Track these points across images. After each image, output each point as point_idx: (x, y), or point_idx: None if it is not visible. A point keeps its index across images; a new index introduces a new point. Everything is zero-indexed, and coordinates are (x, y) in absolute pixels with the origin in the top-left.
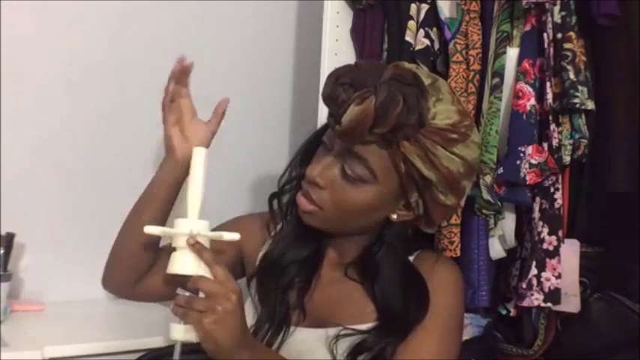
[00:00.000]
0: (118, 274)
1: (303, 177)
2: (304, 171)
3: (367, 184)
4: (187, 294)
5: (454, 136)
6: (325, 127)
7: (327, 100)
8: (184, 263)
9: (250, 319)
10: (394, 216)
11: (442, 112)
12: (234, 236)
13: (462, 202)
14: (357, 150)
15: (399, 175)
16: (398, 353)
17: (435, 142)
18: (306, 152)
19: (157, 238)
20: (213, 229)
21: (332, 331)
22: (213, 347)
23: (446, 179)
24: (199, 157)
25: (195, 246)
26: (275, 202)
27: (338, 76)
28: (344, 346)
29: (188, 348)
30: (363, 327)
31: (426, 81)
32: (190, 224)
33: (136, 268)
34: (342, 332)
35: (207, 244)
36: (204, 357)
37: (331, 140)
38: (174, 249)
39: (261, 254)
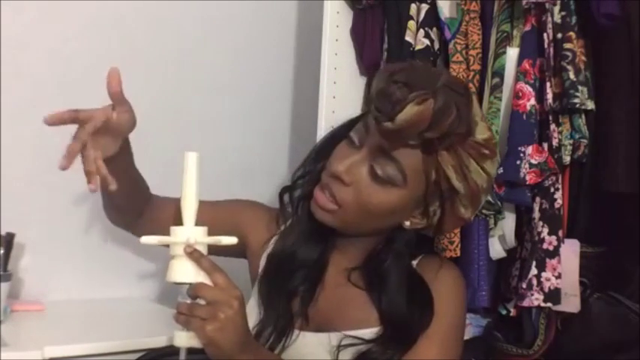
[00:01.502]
0: (112, 215)
1: (319, 173)
2: (320, 167)
3: (394, 186)
4: (189, 301)
5: (487, 151)
6: (348, 124)
7: (379, 95)
8: (183, 271)
9: (254, 319)
10: (407, 223)
11: (479, 127)
12: (232, 240)
13: (472, 217)
14: (392, 151)
15: (427, 183)
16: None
17: (471, 155)
18: (324, 148)
19: (140, 183)
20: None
21: (335, 336)
22: (216, 352)
23: (472, 192)
24: (191, 161)
25: (193, 254)
26: (286, 197)
27: (392, 72)
28: (348, 353)
29: (191, 350)
30: (367, 331)
31: None
32: (187, 232)
33: (128, 212)
34: (346, 340)
35: (205, 250)
36: (207, 358)
37: (361, 137)
38: (172, 257)
39: (267, 252)
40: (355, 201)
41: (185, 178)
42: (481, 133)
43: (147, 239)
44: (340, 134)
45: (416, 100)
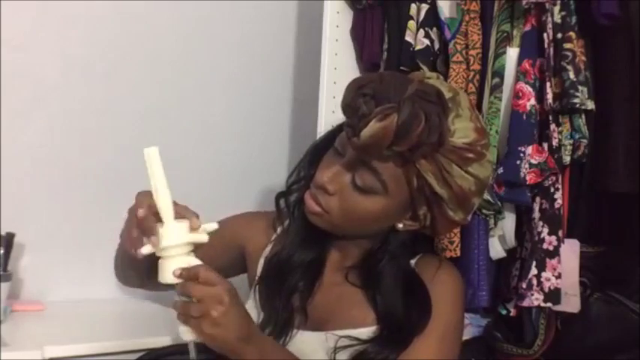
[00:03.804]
0: (125, 278)
1: (312, 178)
2: (313, 172)
3: (377, 195)
4: (184, 299)
5: (471, 155)
6: (337, 129)
7: (347, 110)
8: (172, 271)
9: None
10: (400, 225)
11: (460, 130)
12: (212, 226)
13: (469, 218)
14: (371, 162)
15: (410, 190)
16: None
17: (451, 160)
18: (316, 153)
19: None
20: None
21: (331, 337)
22: (219, 347)
23: (457, 197)
24: (154, 157)
25: (182, 276)
26: (282, 202)
27: (360, 85)
28: (345, 353)
29: (200, 349)
30: (364, 330)
31: (447, 95)
32: (170, 231)
33: (140, 274)
34: (342, 341)
35: (191, 245)
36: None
37: (344, 146)
38: (160, 257)
39: (264, 256)
40: (340, 209)
41: (153, 175)
42: (463, 137)
43: (145, 249)
44: (330, 139)
45: (378, 117)
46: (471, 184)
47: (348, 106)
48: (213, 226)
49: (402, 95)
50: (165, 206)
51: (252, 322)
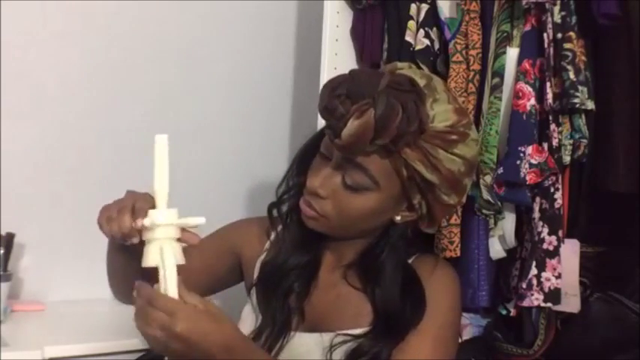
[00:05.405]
0: (119, 293)
1: (303, 186)
2: (303, 180)
3: (369, 191)
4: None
5: (454, 137)
6: (320, 134)
7: (324, 112)
8: (154, 255)
9: (251, 325)
10: (397, 217)
11: (440, 114)
12: (199, 220)
13: (464, 199)
14: (357, 160)
15: (400, 180)
16: (393, 356)
17: (436, 145)
18: (303, 161)
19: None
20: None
21: (327, 336)
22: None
23: (448, 180)
24: (162, 145)
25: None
26: (274, 211)
27: (334, 87)
28: (340, 351)
29: None
30: (358, 331)
31: (421, 82)
32: (158, 214)
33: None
34: (337, 339)
35: (178, 233)
36: None
37: (329, 149)
38: (145, 242)
39: (260, 261)
40: (336, 211)
41: (157, 161)
42: (444, 120)
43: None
44: (315, 145)
45: (355, 114)
46: (460, 166)
47: (325, 109)
48: (200, 220)
49: (376, 89)
50: (162, 192)
51: (235, 336)
